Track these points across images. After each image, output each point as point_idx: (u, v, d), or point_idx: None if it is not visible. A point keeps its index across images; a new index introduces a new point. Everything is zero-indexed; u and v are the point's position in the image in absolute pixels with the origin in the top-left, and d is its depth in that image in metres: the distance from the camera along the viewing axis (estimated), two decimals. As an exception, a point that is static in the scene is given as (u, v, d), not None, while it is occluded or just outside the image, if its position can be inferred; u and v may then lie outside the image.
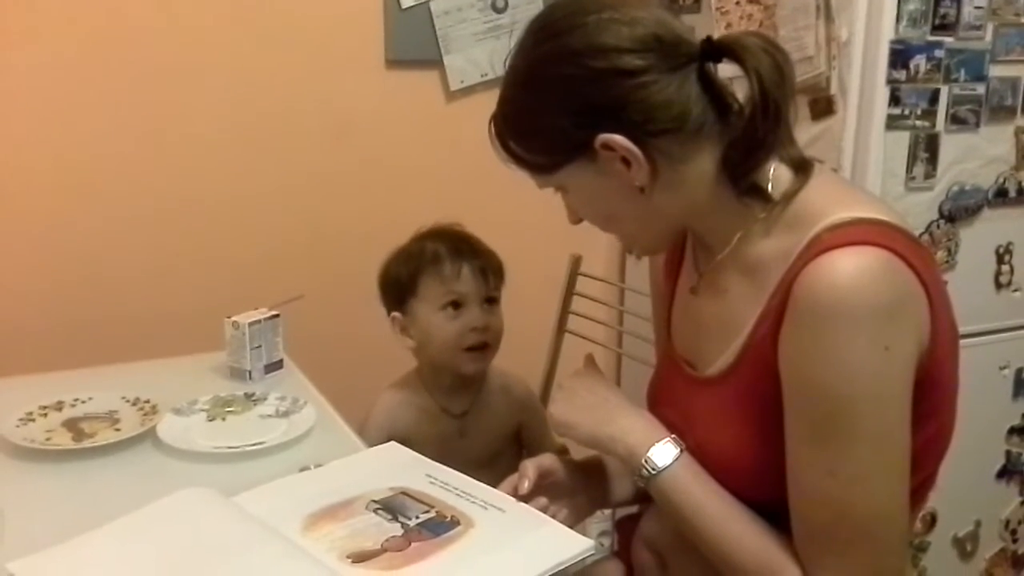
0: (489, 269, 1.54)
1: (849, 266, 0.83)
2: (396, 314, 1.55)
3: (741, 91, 0.92)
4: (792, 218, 0.92)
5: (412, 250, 1.56)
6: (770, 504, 0.92)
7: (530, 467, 1.08)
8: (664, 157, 0.91)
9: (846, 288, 0.82)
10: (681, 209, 0.96)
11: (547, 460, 1.11)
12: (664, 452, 0.97)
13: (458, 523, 0.98)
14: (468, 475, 1.11)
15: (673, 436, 0.99)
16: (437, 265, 1.52)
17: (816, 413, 0.85)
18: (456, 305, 1.51)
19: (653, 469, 0.97)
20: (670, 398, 1.09)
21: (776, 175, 0.94)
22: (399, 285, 1.55)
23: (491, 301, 1.54)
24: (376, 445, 1.29)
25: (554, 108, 0.92)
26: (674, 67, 0.90)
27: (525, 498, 1.05)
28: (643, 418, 1.03)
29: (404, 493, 1.06)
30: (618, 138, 0.90)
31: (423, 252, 1.55)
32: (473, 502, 1.03)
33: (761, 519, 0.94)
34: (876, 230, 0.86)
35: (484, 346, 1.53)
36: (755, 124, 0.89)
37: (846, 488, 0.85)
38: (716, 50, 0.91)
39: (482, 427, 1.60)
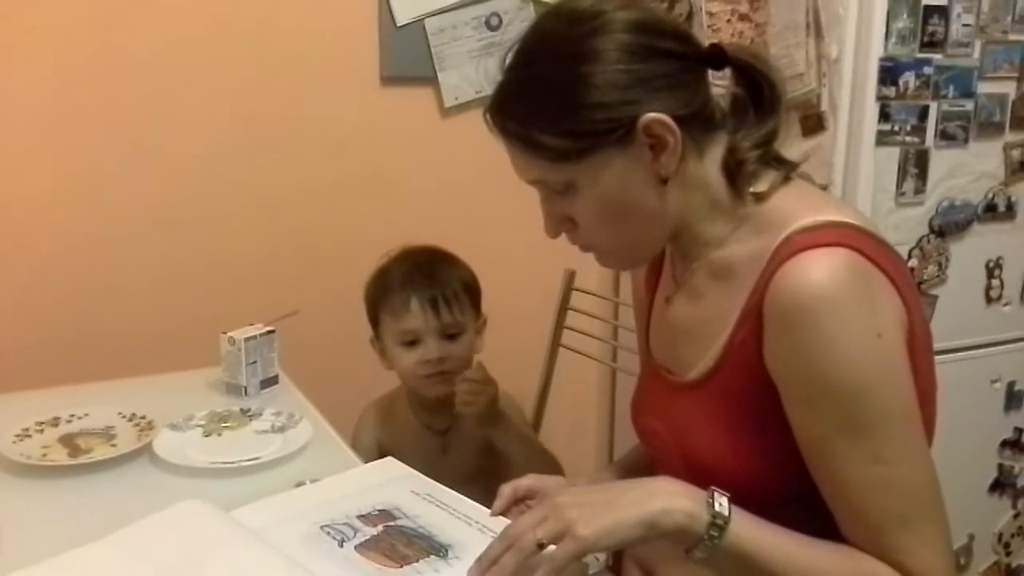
0: (443, 297, 1.51)
1: (824, 266, 0.86)
2: (373, 338, 1.59)
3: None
4: (763, 222, 0.94)
5: (376, 276, 1.58)
6: (756, 505, 0.92)
7: (507, 489, 1.06)
8: (691, 144, 0.93)
9: (825, 285, 0.85)
10: (687, 210, 0.97)
11: (526, 481, 1.08)
12: (721, 501, 0.87)
13: (451, 544, 0.99)
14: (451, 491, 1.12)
15: (711, 487, 0.88)
16: (388, 299, 1.53)
17: (838, 409, 0.86)
18: (411, 342, 1.53)
19: (723, 521, 0.85)
20: (652, 406, 1.10)
21: (761, 179, 0.97)
22: (369, 313, 1.58)
23: (450, 334, 1.53)
24: (363, 460, 1.31)
25: (599, 83, 0.90)
26: (699, 61, 0.95)
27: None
28: (671, 480, 0.90)
29: (399, 509, 1.06)
30: (665, 118, 0.90)
31: (381, 281, 1.56)
32: (469, 524, 1.03)
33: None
34: (846, 233, 0.89)
35: (443, 373, 1.53)
36: (775, 118, 0.95)
37: (897, 468, 0.86)
38: (723, 58, 0.96)
39: (464, 444, 1.61)
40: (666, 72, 0.91)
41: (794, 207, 0.93)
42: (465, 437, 1.62)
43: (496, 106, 0.96)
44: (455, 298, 1.53)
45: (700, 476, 0.93)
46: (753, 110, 0.97)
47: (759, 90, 0.97)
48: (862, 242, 0.88)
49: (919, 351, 0.91)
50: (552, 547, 0.84)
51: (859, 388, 0.85)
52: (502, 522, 1.02)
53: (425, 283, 1.51)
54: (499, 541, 0.88)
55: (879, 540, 0.87)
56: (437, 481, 1.15)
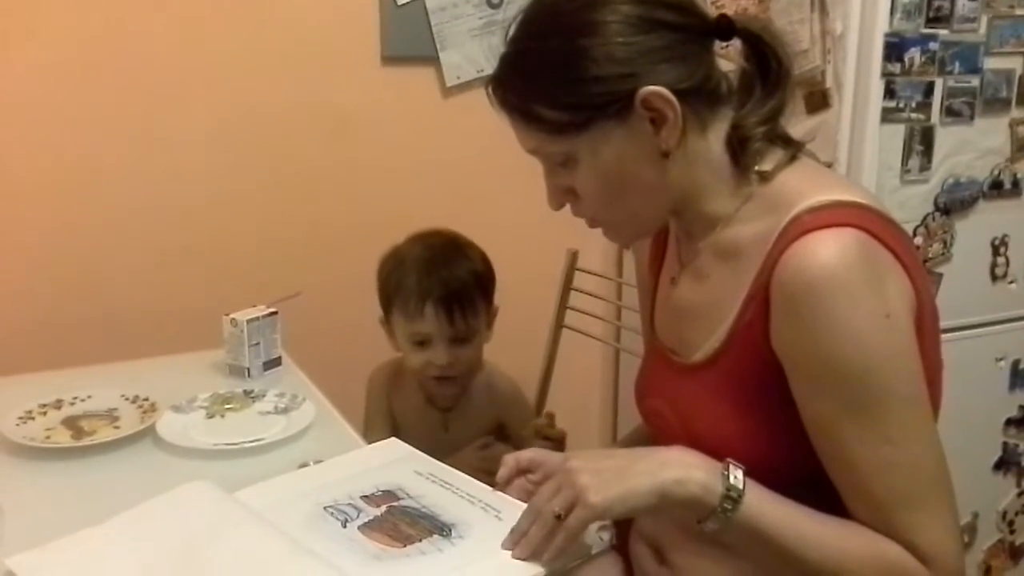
0: (458, 303, 1.49)
1: (832, 246, 0.85)
2: (383, 319, 1.58)
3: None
4: (769, 201, 0.93)
5: (392, 263, 1.55)
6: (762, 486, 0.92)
7: (510, 459, 1.06)
8: (693, 119, 0.92)
9: (834, 266, 0.84)
10: (688, 186, 0.96)
11: (528, 453, 1.07)
12: (736, 474, 0.86)
13: (454, 524, 0.99)
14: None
15: (727, 459, 0.88)
16: (402, 298, 1.51)
17: (847, 391, 0.86)
18: (422, 342, 1.52)
19: (737, 494, 0.85)
20: (658, 388, 1.09)
21: (766, 158, 0.96)
22: (381, 297, 1.57)
23: (460, 339, 1.52)
24: (379, 421, 1.29)
25: (596, 56, 0.89)
26: (703, 33, 0.93)
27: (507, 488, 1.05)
28: (685, 451, 0.90)
29: (402, 490, 1.06)
30: (664, 91, 0.89)
31: (396, 273, 1.54)
32: (473, 503, 1.03)
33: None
34: (853, 212, 0.88)
35: (450, 377, 1.54)
36: (782, 93, 0.94)
37: (906, 448, 0.86)
38: (731, 28, 0.94)
39: (466, 422, 1.62)
40: (666, 44, 0.90)
41: (800, 186, 0.92)
42: (467, 417, 1.62)
43: (497, 79, 0.96)
44: (469, 303, 1.51)
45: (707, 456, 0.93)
46: (760, 85, 0.96)
47: (767, 64, 0.95)
48: (870, 221, 0.88)
49: (927, 331, 0.91)
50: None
51: (867, 369, 0.85)
52: (504, 501, 1.02)
53: (441, 286, 1.49)
54: (526, 514, 0.90)
55: (888, 520, 0.87)
56: (437, 456, 1.15)
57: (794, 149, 0.97)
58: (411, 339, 1.53)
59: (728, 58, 0.99)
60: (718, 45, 0.96)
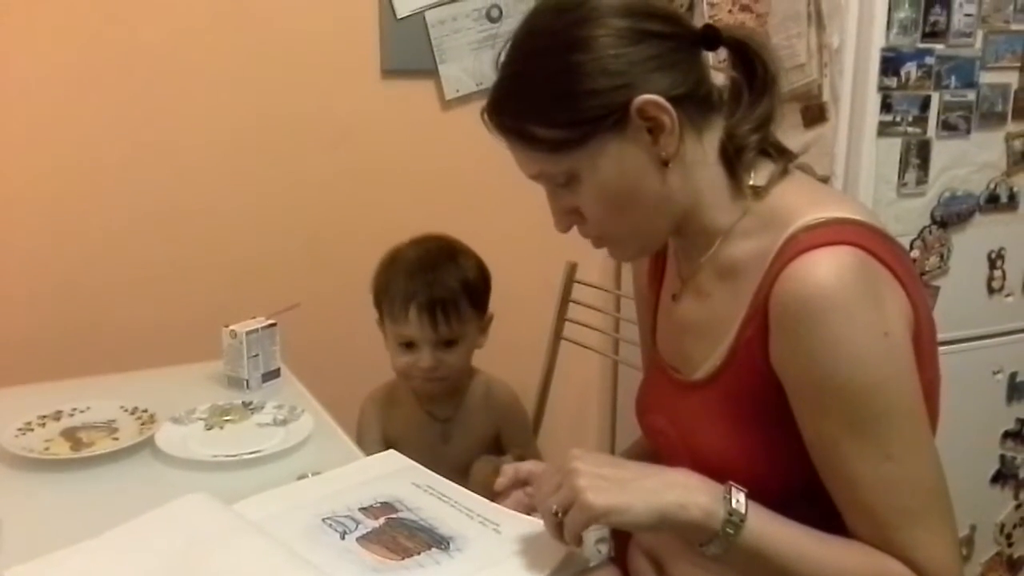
0: (442, 308, 1.49)
1: (829, 265, 0.85)
2: (378, 319, 1.59)
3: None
4: (766, 218, 0.94)
5: (387, 264, 1.57)
6: (761, 502, 0.92)
7: (510, 470, 1.07)
8: (689, 125, 0.93)
9: (831, 285, 0.84)
10: (689, 196, 0.96)
11: (527, 465, 1.09)
12: (738, 498, 0.86)
13: (452, 537, 0.99)
14: (451, 480, 1.12)
15: (728, 482, 0.88)
16: (389, 300, 1.52)
17: (846, 408, 0.86)
18: (409, 344, 1.52)
19: (740, 519, 0.84)
20: (659, 404, 1.09)
21: (759, 171, 0.97)
22: (374, 299, 1.58)
23: (445, 343, 1.52)
24: (371, 450, 1.31)
25: (589, 70, 0.90)
26: (692, 42, 0.94)
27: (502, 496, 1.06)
28: (688, 473, 0.89)
29: (400, 502, 1.06)
30: (658, 98, 0.90)
31: (387, 273, 1.55)
32: (471, 516, 1.03)
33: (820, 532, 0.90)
34: (849, 230, 0.88)
35: (436, 379, 1.54)
36: (770, 99, 0.95)
37: (906, 465, 0.86)
38: (717, 38, 0.95)
39: (465, 433, 1.62)
40: (657, 53, 0.91)
41: (796, 203, 0.93)
42: (466, 427, 1.62)
43: (492, 104, 0.97)
44: (454, 307, 1.50)
45: (706, 475, 0.93)
46: (747, 91, 0.96)
47: (753, 71, 0.96)
48: (866, 238, 0.88)
49: (924, 346, 0.91)
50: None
51: (867, 387, 0.85)
52: (503, 514, 1.02)
53: (425, 290, 1.49)
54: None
55: (888, 536, 0.87)
56: (437, 469, 1.15)
57: (786, 160, 0.98)
58: (397, 340, 1.53)
59: (721, 69, 1.00)
60: (711, 57, 0.97)
